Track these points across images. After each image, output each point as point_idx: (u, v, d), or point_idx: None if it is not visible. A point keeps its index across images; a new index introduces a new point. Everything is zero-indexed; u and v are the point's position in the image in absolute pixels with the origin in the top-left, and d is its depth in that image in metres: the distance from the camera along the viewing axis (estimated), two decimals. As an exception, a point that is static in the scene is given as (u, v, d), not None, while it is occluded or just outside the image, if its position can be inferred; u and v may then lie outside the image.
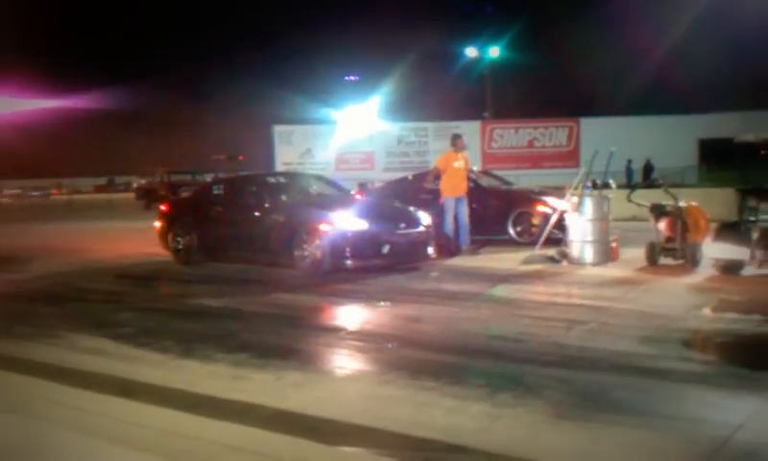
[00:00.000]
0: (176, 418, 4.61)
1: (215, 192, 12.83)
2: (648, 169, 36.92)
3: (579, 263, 10.78)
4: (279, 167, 39.04)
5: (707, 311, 7.41)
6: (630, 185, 19.44)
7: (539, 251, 11.69)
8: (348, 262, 10.07)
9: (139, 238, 15.62)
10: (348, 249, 10.06)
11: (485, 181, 15.58)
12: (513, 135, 42.95)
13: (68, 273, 11.59)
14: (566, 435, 4.15)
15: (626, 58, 44.39)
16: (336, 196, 12.21)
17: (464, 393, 4.90)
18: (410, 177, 16.80)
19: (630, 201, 11.35)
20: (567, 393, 4.87)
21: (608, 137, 39.83)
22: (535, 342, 6.32)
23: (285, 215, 10.85)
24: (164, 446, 4.18)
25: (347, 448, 4.12)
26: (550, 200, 13.35)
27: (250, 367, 5.69)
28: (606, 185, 11.90)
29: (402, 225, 10.81)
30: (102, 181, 69.46)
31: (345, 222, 10.25)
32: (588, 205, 10.96)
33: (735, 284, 8.85)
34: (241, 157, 39.55)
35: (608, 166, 11.69)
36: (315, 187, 12.78)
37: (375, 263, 10.31)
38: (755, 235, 9.11)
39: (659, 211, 10.65)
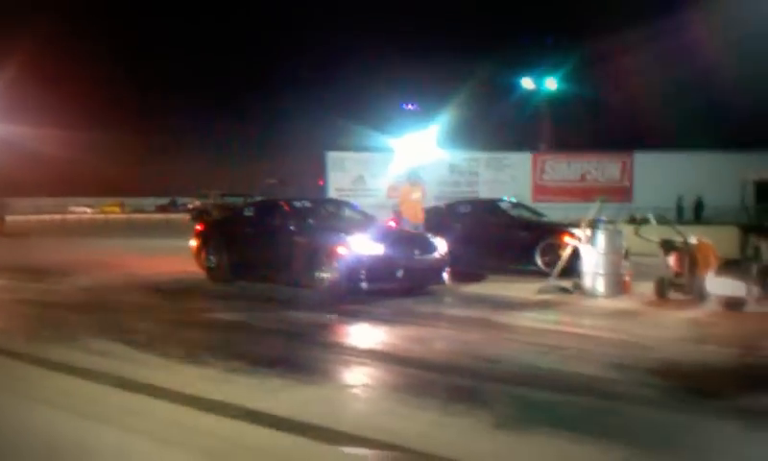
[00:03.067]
0: (162, 407, 5.29)
1: (246, 214, 13.54)
2: (699, 206, 36.57)
3: (590, 295, 11.05)
4: (332, 193, 39.85)
5: (688, 343, 7.67)
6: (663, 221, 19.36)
7: (554, 282, 11.98)
8: (363, 285, 10.57)
9: (183, 257, 16.40)
10: (363, 272, 10.56)
11: (514, 213, 15.96)
12: (565, 168, 42.99)
13: (106, 286, 12.39)
14: (494, 442, 4.57)
15: (682, 91, 44.01)
16: (357, 221, 12.78)
17: (422, 403, 5.34)
18: (443, 205, 17.32)
19: (638, 236, 11.59)
20: (517, 408, 5.28)
21: (661, 172, 39.78)
22: (511, 363, 6.71)
23: (307, 238, 11.42)
24: (148, 427, 4.87)
25: (293, 438, 4.63)
26: (578, 231, 13.60)
27: (240, 373, 6.24)
28: (645, 221, 12.16)
29: (417, 251, 11.30)
30: (165, 201, 71.73)
31: (361, 246, 10.77)
32: (601, 238, 11.24)
33: (732, 319, 9.05)
34: (321, 182, 40.57)
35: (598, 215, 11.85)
36: (338, 212, 13.40)
37: (390, 287, 10.78)
38: (753, 272, 9.31)
39: (668, 246, 10.88)
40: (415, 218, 14.07)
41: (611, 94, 46.06)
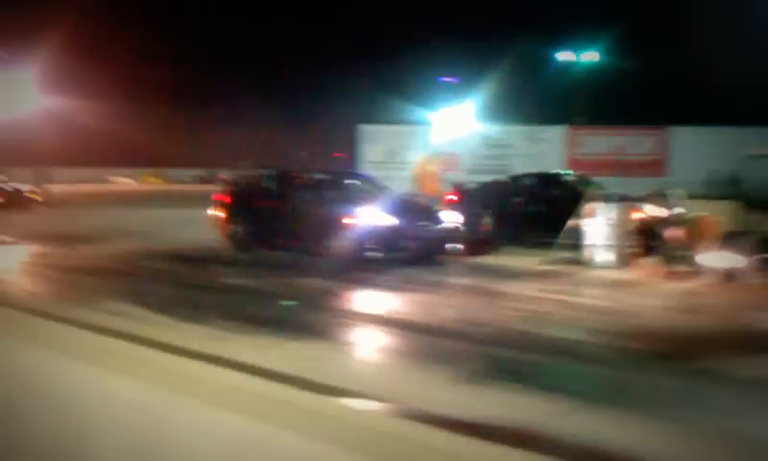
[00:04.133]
0: (154, 356, 5.94)
1: (264, 185, 14.03)
2: (735, 181, 36.19)
3: (595, 266, 11.34)
4: (364, 166, 40.18)
5: (670, 311, 7.98)
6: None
7: (560, 253, 12.23)
8: (371, 253, 11.03)
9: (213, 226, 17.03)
10: (371, 242, 11.02)
11: (578, 186, 15.55)
12: (600, 142, 42.73)
13: (131, 252, 13.04)
14: (453, 393, 5.01)
15: (724, 65, 43.29)
16: (371, 192, 13.11)
17: (391, 359, 5.82)
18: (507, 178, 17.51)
19: (640, 210, 11.84)
20: (483, 365, 5.70)
21: (697, 147, 39.36)
22: (493, 327, 7.13)
23: (320, 209, 11.89)
24: (151, 375, 5.48)
25: (278, 386, 5.17)
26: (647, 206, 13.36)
27: (233, 331, 6.77)
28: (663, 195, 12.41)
29: (425, 222, 11.71)
30: (203, 172, 72.76)
31: (370, 217, 11.21)
32: (605, 211, 11.51)
33: (724, 291, 9.31)
34: (339, 155, 40.94)
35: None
36: (353, 184, 13.84)
37: (398, 256, 11.21)
38: (751, 245, 9.53)
39: (668, 220, 11.12)
40: (428, 189, 14.43)
41: (649, 67, 45.46)
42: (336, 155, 42.94)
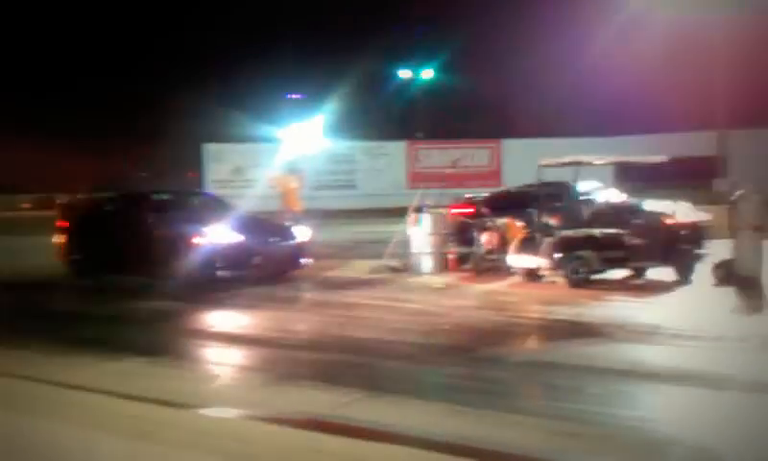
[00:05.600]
0: None
1: (107, 209, 13.82)
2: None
3: (416, 272, 12.30)
4: (209, 185, 39.98)
5: (472, 309, 9.12)
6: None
7: (386, 261, 13.12)
8: (221, 273, 11.28)
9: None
10: (219, 260, 11.28)
11: None
12: (437, 155, 44.72)
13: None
14: (262, 393, 5.74)
15: (551, 80, 46.42)
16: (217, 211, 13.00)
17: (216, 369, 6.54)
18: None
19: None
20: (291, 367, 6.49)
21: (527, 158, 42.07)
22: (309, 333, 8.14)
23: (165, 230, 11.87)
24: None
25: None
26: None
27: (59, 354, 7.05)
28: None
29: (275, 238, 12.17)
30: (39, 197, 69.33)
31: (218, 235, 11.48)
32: (425, 221, 12.58)
33: (524, 289, 10.57)
34: (192, 174, 40.26)
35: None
36: (198, 203, 14.09)
37: (246, 274, 11.42)
38: (542, 248, 10.82)
39: (481, 226, 12.31)
40: (293, 206, 15.12)
41: (483, 83, 48.08)
42: (190, 174, 42.43)
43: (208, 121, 46.36)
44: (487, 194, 16.18)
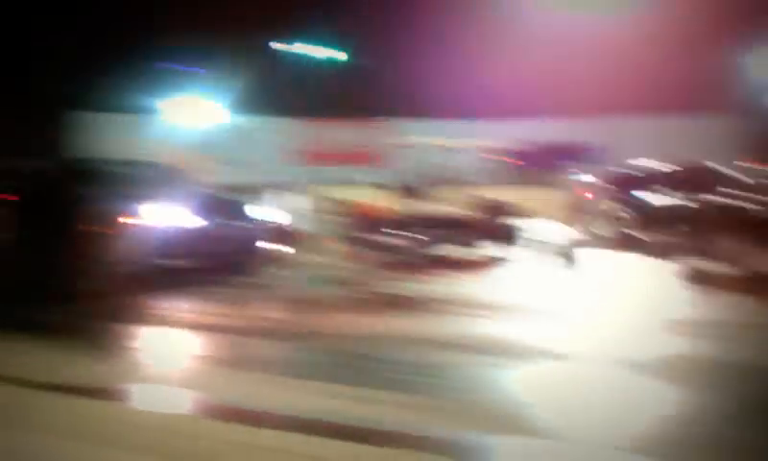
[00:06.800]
0: None
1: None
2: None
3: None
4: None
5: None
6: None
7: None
8: (159, 262, 9.06)
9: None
10: (158, 247, 8.99)
11: None
12: (331, 133, 43.37)
13: None
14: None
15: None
16: (162, 185, 10.54)
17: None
18: None
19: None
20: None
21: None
22: None
23: (86, 210, 9.33)
24: None
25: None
26: None
27: None
28: None
29: (228, 220, 10.11)
30: None
31: (155, 216, 9.18)
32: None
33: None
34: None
35: None
36: (132, 174, 11.07)
37: (192, 263, 9.34)
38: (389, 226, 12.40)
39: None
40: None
41: (379, 61, 46.98)
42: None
43: (75, 85, 41.97)
44: None
